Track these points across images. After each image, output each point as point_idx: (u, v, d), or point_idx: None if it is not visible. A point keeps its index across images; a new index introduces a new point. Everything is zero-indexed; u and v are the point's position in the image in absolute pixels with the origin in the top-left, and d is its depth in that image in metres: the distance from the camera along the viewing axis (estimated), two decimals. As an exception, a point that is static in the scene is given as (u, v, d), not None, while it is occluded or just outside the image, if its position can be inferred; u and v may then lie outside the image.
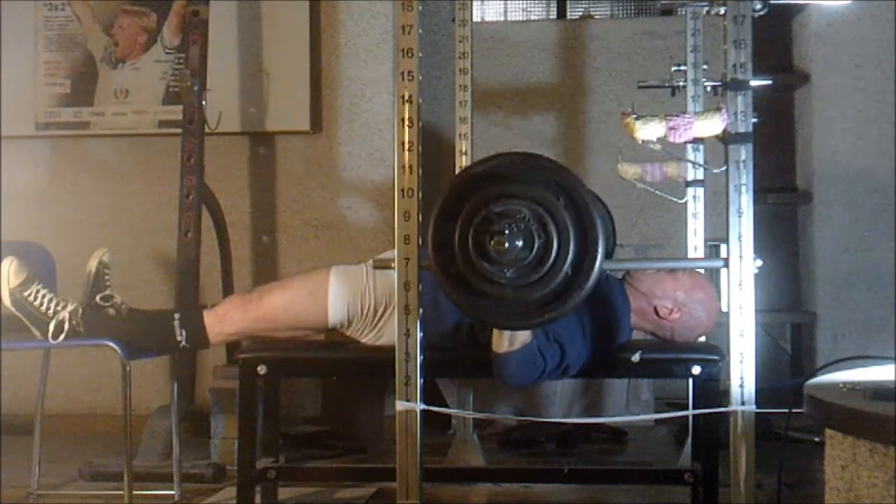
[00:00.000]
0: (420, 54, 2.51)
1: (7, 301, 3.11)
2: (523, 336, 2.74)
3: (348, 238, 4.93)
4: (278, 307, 3.06)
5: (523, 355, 2.75)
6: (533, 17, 6.12)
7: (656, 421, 4.65)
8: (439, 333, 2.93)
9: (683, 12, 4.05)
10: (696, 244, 3.93)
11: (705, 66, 3.94)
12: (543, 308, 2.44)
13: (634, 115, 2.51)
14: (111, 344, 3.10)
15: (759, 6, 2.58)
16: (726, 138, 2.45)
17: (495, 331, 2.75)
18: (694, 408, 3.04)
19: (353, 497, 3.54)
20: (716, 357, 2.88)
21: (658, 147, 2.55)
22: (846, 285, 4.96)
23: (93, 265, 3.16)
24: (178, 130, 4.34)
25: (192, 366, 4.42)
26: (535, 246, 2.40)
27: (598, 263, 2.42)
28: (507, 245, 2.36)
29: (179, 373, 3.78)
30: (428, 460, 2.56)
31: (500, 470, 3.75)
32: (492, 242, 2.38)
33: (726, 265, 2.44)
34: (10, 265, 3.12)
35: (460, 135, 3.96)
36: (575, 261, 2.42)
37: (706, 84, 3.92)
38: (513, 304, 2.43)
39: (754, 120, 2.46)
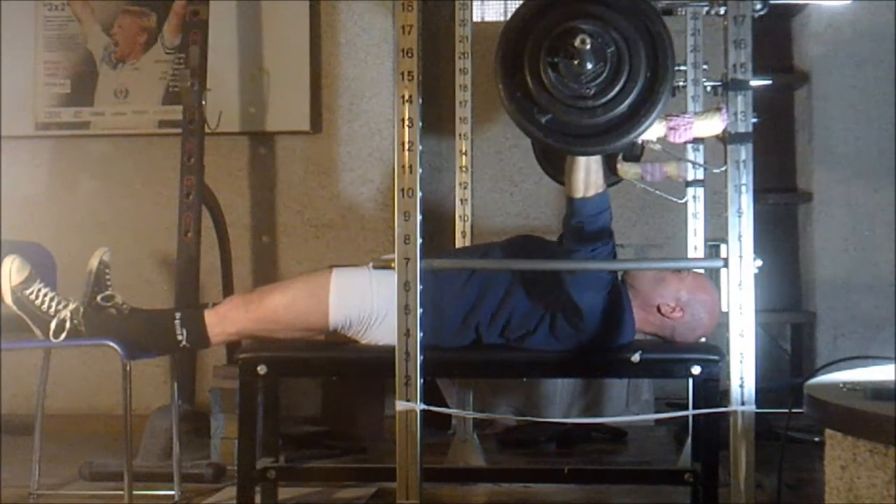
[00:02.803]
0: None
1: (8, 299, 3.11)
2: (598, 181, 2.78)
3: (348, 238, 4.93)
4: (279, 308, 3.06)
5: (598, 202, 2.79)
6: (533, 17, 6.11)
7: (656, 421, 4.65)
8: (441, 339, 2.93)
9: (683, 12, 4.05)
10: (696, 244, 3.93)
11: (705, 66, 3.94)
12: (624, 125, 2.41)
13: (635, 115, 2.51)
14: (112, 344, 3.10)
15: (759, 6, 2.58)
16: (726, 138, 2.45)
17: (569, 176, 2.78)
18: (694, 408, 3.04)
19: (353, 497, 3.54)
20: (716, 357, 2.88)
21: (658, 147, 2.55)
22: (846, 285, 4.95)
23: (94, 264, 3.16)
24: (178, 130, 4.34)
25: (192, 366, 4.43)
26: (608, 57, 2.36)
27: (671, 56, 2.39)
28: (588, 45, 2.31)
29: (179, 373, 3.78)
30: (428, 460, 2.56)
31: (500, 470, 3.75)
32: (575, 43, 2.31)
33: (726, 265, 2.44)
34: (11, 263, 3.12)
35: (460, 135, 3.96)
36: (650, 61, 2.39)
37: (706, 84, 3.92)
38: (600, 123, 2.40)
39: (754, 120, 2.46)
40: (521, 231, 3.92)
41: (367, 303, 3.02)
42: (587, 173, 2.76)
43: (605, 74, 2.37)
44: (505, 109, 2.43)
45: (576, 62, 2.34)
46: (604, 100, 2.38)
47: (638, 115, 2.40)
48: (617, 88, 2.38)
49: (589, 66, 2.35)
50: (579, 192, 2.78)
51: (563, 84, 2.37)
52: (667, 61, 2.39)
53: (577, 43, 2.31)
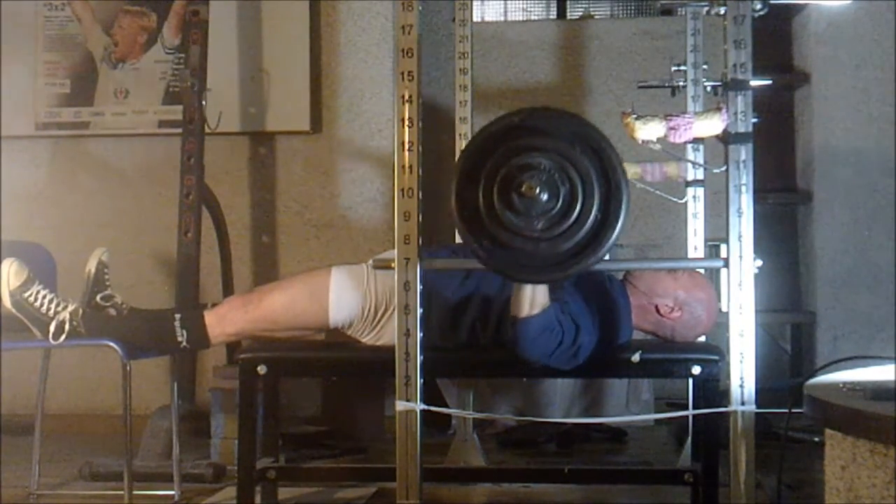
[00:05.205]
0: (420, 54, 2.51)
1: (7, 302, 3.11)
2: (543, 300, 2.74)
3: (348, 238, 4.93)
4: (279, 307, 3.06)
5: (543, 320, 2.74)
6: (533, 17, 6.11)
7: (656, 421, 4.65)
8: (437, 334, 2.93)
9: (683, 12, 4.05)
10: (696, 244, 3.93)
11: (705, 66, 3.94)
12: (575, 258, 2.41)
13: (634, 115, 2.51)
14: (111, 344, 3.10)
15: (759, 6, 2.58)
16: (726, 138, 2.45)
17: (515, 295, 2.74)
18: (694, 408, 3.04)
19: (353, 497, 3.54)
20: (716, 357, 2.88)
21: (658, 147, 2.55)
22: (846, 285, 4.96)
23: (92, 265, 3.17)
24: (178, 130, 4.35)
25: (192, 366, 4.43)
26: (561, 195, 2.37)
27: (624, 206, 2.40)
28: (536, 191, 2.34)
29: (179, 373, 3.78)
30: (428, 460, 2.56)
31: (500, 470, 3.75)
32: (522, 189, 2.34)
33: (726, 265, 2.44)
34: (10, 266, 3.12)
35: (460, 135, 3.96)
36: (602, 206, 2.40)
37: (706, 84, 3.93)
38: (544, 256, 2.41)
39: (754, 120, 2.46)
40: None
41: (366, 302, 3.02)
42: (533, 291, 2.73)
43: (556, 209, 2.38)
44: (455, 216, 2.43)
45: (526, 200, 2.36)
46: (553, 234, 2.39)
47: (587, 249, 2.40)
48: (568, 224, 2.38)
49: (537, 207, 2.36)
50: (523, 310, 2.73)
51: (515, 214, 2.38)
52: (619, 210, 2.39)
53: (523, 189, 2.34)
